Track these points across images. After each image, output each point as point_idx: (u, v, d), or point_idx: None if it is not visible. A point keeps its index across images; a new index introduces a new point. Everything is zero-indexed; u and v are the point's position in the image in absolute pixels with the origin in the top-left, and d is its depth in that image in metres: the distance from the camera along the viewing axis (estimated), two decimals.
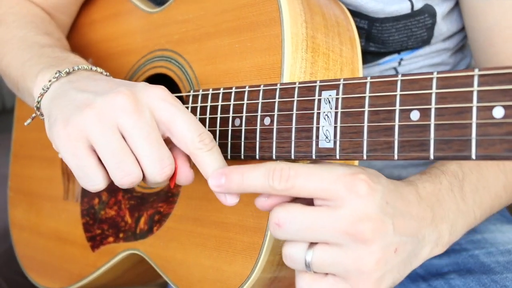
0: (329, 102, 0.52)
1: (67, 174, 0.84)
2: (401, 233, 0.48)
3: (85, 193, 0.80)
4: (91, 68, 0.61)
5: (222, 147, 0.60)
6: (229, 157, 0.60)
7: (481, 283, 0.65)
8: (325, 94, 0.52)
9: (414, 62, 0.74)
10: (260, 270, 0.57)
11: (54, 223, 0.86)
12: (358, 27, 0.67)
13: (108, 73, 0.62)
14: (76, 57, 0.66)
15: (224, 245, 0.61)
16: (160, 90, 0.53)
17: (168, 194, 0.68)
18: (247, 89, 0.58)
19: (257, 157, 0.57)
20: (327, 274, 0.47)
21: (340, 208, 0.46)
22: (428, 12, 0.67)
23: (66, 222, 0.83)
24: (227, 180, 0.49)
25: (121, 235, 0.74)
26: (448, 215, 0.53)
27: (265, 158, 0.57)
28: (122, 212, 0.74)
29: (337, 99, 0.51)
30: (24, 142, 0.96)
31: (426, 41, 0.71)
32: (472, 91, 0.43)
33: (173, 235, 0.66)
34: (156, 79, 0.73)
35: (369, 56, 0.73)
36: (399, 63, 0.74)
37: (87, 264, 0.78)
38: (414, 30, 0.69)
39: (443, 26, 0.70)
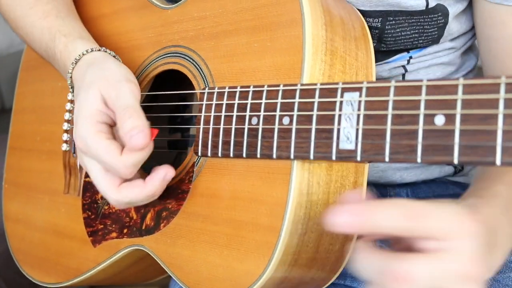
0: (351, 104, 0.52)
1: (69, 168, 0.83)
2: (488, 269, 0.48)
3: (87, 187, 0.79)
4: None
5: (238, 145, 0.60)
6: (244, 155, 0.60)
7: None
8: (347, 96, 0.53)
9: (422, 61, 0.75)
10: (273, 270, 0.57)
11: (52, 217, 0.85)
12: (371, 28, 0.68)
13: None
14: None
15: (235, 243, 0.61)
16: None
17: (178, 190, 0.67)
18: (265, 88, 0.59)
19: (274, 156, 0.57)
20: None
21: (458, 250, 0.44)
22: (442, 11, 0.69)
23: (66, 216, 0.82)
24: (353, 219, 0.44)
25: (125, 230, 0.73)
26: (502, 240, 0.52)
27: (282, 157, 0.57)
28: (128, 208, 0.73)
29: (359, 101, 0.52)
30: (22, 134, 0.95)
31: (435, 40, 0.73)
32: (498, 99, 0.44)
33: (182, 232, 0.66)
34: (168, 75, 0.73)
35: (379, 55, 0.74)
36: (408, 61, 0.75)
37: (87, 259, 0.77)
38: (427, 27, 0.70)
39: (454, 26, 0.72)
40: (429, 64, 0.76)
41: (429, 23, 0.70)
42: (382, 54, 0.74)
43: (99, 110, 0.64)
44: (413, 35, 0.71)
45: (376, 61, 0.74)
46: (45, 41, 0.77)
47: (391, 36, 0.71)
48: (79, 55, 0.71)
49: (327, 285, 0.68)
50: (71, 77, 0.72)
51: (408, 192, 0.83)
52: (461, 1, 0.70)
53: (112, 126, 0.65)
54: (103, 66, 0.68)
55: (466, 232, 0.44)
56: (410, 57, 0.75)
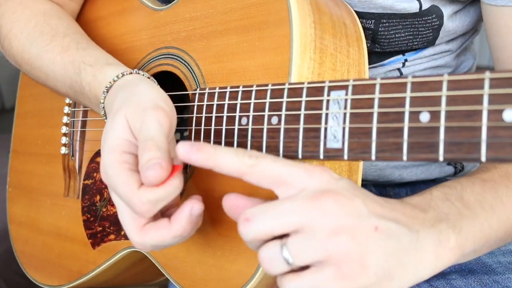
0: (338, 102, 0.52)
1: (68, 171, 0.83)
2: (379, 215, 0.46)
3: (86, 190, 0.80)
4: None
5: (228, 145, 0.60)
6: None
7: (483, 284, 0.66)
8: (334, 94, 0.52)
9: (418, 64, 0.75)
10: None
11: (54, 219, 0.86)
12: (364, 29, 0.68)
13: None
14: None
15: (228, 244, 0.60)
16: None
17: None
18: (254, 88, 0.58)
19: None
20: (309, 267, 0.46)
21: (302, 191, 0.47)
22: (436, 13, 0.68)
23: (66, 219, 0.83)
24: (198, 150, 0.50)
25: (122, 232, 0.73)
26: (447, 217, 0.51)
27: None
28: None
29: (346, 100, 0.51)
30: (24, 138, 0.96)
31: (431, 42, 0.72)
32: (482, 94, 0.43)
33: None
34: (161, 76, 0.73)
35: (374, 57, 0.73)
36: (403, 64, 0.74)
37: (87, 261, 0.78)
38: (421, 29, 0.69)
39: (451, 25, 0.71)
40: (425, 67, 0.75)
41: (423, 25, 0.69)
42: (377, 56, 0.74)
43: (125, 140, 0.56)
44: (408, 37, 0.70)
45: (371, 63, 0.74)
46: (69, 76, 0.70)
47: (385, 38, 0.70)
48: (110, 82, 0.63)
49: None
50: (103, 107, 0.65)
51: (408, 191, 0.82)
52: (455, 3, 0.69)
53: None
54: (133, 90, 0.60)
55: (315, 178, 0.48)
56: (405, 60, 0.74)
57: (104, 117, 0.66)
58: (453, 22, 0.71)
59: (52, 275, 0.85)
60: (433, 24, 0.69)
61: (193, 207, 0.54)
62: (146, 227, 0.55)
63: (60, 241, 0.84)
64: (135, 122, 0.56)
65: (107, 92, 0.64)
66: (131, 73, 0.64)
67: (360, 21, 0.65)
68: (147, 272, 0.84)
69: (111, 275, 0.80)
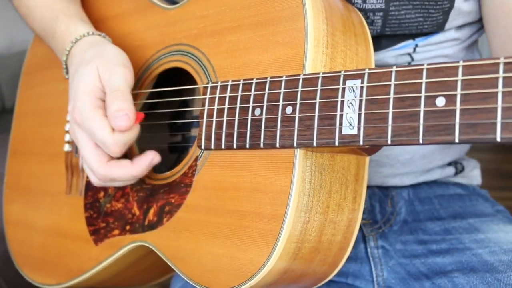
0: (354, 90, 0.54)
1: (71, 168, 0.83)
2: None
3: (89, 186, 0.80)
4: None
5: (241, 136, 0.61)
6: (247, 146, 0.60)
7: (485, 282, 0.67)
8: (349, 83, 0.54)
9: (428, 51, 0.76)
10: (276, 258, 0.57)
11: (53, 218, 0.85)
12: (375, 10, 0.69)
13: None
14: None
15: (238, 233, 0.61)
16: None
17: (181, 184, 0.68)
18: (268, 79, 0.60)
19: (278, 145, 0.58)
20: None
21: None
22: None
23: (68, 217, 0.82)
24: None
25: (127, 227, 0.73)
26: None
27: (286, 146, 0.58)
28: (130, 204, 0.74)
29: (361, 87, 0.53)
30: (23, 138, 0.95)
31: (440, 25, 0.73)
32: (497, 77, 0.45)
33: (185, 225, 0.66)
34: (171, 73, 0.75)
35: (384, 41, 0.74)
36: (414, 50, 0.76)
37: (89, 258, 0.77)
38: (431, 11, 0.70)
39: (464, 7, 0.72)
40: (434, 55, 0.76)
41: (434, 7, 0.70)
42: (387, 40, 0.75)
43: (96, 87, 0.68)
44: (418, 19, 0.71)
45: (382, 48, 0.75)
46: (45, 19, 0.82)
47: (395, 19, 0.71)
48: (80, 36, 0.75)
49: (327, 279, 0.68)
50: (67, 54, 0.76)
51: (410, 192, 0.84)
52: None
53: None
54: (104, 48, 0.73)
55: None
56: (416, 45, 0.76)
57: (64, 64, 0.78)
58: (468, 4, 0.72)
59: (51, 274, 0.83)
60: (443, 6, 0.70)
61: (154, 158, 0.69)
62: (110, 163, 0.68)
63: (59, 239, 0.83)
64: (104, 73, 0.68)
65: (75, 43, 0.76)
66: (99, 35, 0.77)
67: (371, 2, 0.66)
68: (150, 270, 0.83)
69: (113, 273, 0.79)
